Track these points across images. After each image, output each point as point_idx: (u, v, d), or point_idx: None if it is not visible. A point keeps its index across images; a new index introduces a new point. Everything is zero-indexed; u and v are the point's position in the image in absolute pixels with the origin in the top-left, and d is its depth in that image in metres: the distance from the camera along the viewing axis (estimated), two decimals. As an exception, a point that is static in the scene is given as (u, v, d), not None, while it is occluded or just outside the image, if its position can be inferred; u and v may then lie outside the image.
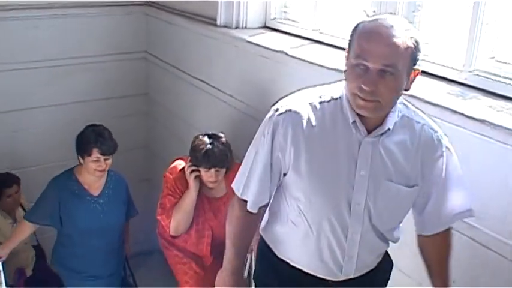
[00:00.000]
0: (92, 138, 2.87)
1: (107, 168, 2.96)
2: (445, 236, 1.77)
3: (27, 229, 3.08)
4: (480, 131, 1.75)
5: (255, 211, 1.79)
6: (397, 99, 1.56)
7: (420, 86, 2.01)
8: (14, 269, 3.37)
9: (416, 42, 1.50)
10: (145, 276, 3.43)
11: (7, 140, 3.65)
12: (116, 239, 3.15)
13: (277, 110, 1.67)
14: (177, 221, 2.66)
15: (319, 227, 1.69)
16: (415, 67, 1.53)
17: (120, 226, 3.15)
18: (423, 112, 1.70)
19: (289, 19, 2.99)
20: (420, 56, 1.53)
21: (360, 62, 1.48)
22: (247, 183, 1.76)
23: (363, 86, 1.47)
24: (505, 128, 1.69)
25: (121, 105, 3.95)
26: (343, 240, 1.68)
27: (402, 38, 1.47)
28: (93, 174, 2.95)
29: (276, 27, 3.00)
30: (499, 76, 1.94)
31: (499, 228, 1.76)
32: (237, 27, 3.03)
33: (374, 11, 2.31)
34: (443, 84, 2.06)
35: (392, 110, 1.59)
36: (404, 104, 1.66)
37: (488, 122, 1.73)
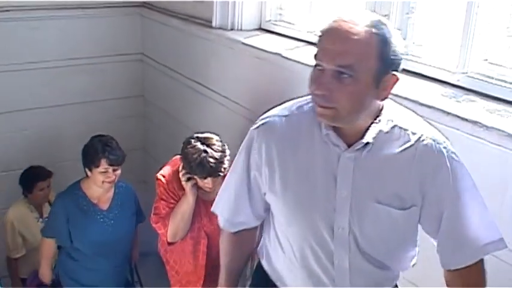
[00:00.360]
0: (99, 149, 2.76)
1: (116, 180, 2.84)
2: (475, 271, 1.48)
3: (50, 245, 2.98)
4: (473, 132, 1.76)
5: (231, 230, 1.69)
6: (363, 108, 1.35)
7: (413, 88, 2.03)
8: (30, 271, 3.33)
9: (385, 41, 1.30)
10: (142, 278, 3.42)
11: (3, 141, 3.64)
12: (126, 250, 3.06)
13: (256, 123, 1.55)
14: (174, 229, 2.53)
15: (302, 253, 1.53)
16: (393, 72, 1.33)
17: (130, 238, 3.06)
18: (423, 118, 1.53)
19: (284, 21, 2.99)
20: (397, 58, 1.33)
21: (317, 63, 1.33)
22: (222, 201, 1.67)
23: (314, 90, 1.32)
24: (498, 130, 1.70)
25: (117, 107, 3.95)
26: (330, 268, 1.51)
27: (362, 34, 1.28)
28: (102, 187, 2.83)
29: (271, 29, 3.01)
30: (492, 78, 1.95)
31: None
32: (232, 29, 3.04)
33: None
34: (436, 86, 2.08)
35: (376, 120, 1.40)
36: (397, 111, 1.47)
37: (481, 123, 1.75)
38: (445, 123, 1.83)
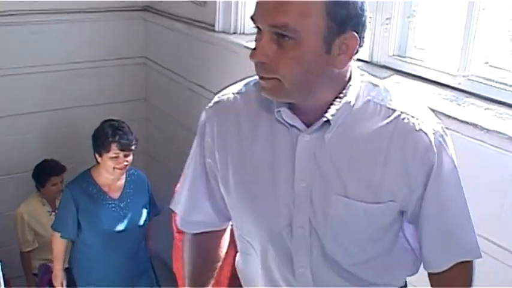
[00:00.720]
0: (110, 133, 2.64)
1: (128, 166, 2.70)
2: (462, 272, 1.27)
3: (60, 242, 2.87)
4: (474, 135, 1.77)
5: (189, 231, 1.42)
6: (314, 78, 1.09)
7: (415, 91, 2.04)
8: (38, 264, 3.32)
9: None
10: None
11: (4, 144, 3.65)
12: (138, 242, 2.92)
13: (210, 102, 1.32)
14: None
15: (263, 258, 1.30)
16: (352, 32, 1.07)
17: (143, 229, 2.91)
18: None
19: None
20: (355, 13, 1.06)
21: (255, 25, 1.10)
22: (179, 195, 1.41)
23: (251, 57, 1.10)
24: (498, 132, 1.71)
25: (120, 110, 3.95)
26: (291, 278, 1.26)
27: None
28: (113, 174, 2.70)
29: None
30: (493, 81, 1.96)
31: (492, 231, 1.78)
32: (234, 33, 3.05)
33: (370, 17, 2.32)
34: (437, 89, 2.09)
35: (341, 93, 1.14)
36: (373, 84, 1.21)
37: (481, 126, 1.75)
38: (446, 126, 1.81)
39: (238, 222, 1.34)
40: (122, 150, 2.66)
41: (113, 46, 3.85)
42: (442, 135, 1.19)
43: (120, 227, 2.77)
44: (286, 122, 1.17)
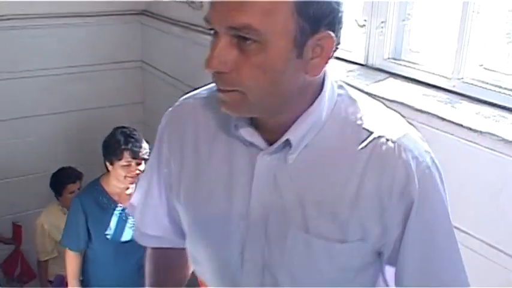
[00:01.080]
0: (122, 140, 2.58)
1: (140, 175, 2.59)
2: None
3: (72, 258, 2.77)
4: (468, 137, 1.77)
5: (142, 243, 1.27)
6: (284, 88, 0.92)
7: (409, 94, 2.05)
8: (53, 275, 3.29)
9: None
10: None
11: (4, 148, 3.65)
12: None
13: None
14: None
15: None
16: (327, 31, 0.90)
17: None
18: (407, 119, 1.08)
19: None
20: (331, 9, 0.90)
21: (209, 27, 0.91)
22: (134, 203, 1.26)
23: (205, 66, 0.90)
24: (492, 135, 1.71)
25: (117, 114, 3.96)
26: None
27: None
28: (123, 182, 2.64)
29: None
30: (487, 83, 1.96)
31: (487, 233, 1.78)
32: (231, 36, 3.05)
33: (365, 20, 2.34)
34: (432, 91, 2.09)
35: (310, 109, 0.96)
36: (351, 98, 1.02)
37: (476, 128, 1.76)
38: (440, 129, 1.85)
39: (188, 246, 1.17)
40: (134, 158, 2.61)
41: (110, 50, 3.86)
42: (429, 167, 0.97)
43: (130, 236, 2.70)
44: (244, 139, 1.00)
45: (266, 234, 1.01)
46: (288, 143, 0.97)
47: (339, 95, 1.01)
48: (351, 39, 2.38)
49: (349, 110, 0.99)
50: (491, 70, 2.00)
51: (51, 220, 3.28)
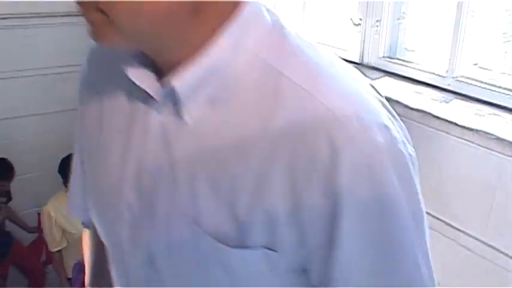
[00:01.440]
0: None
1: None
2: None
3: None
4: (462, 135, 1.78)
5: (74, 216, 1.04)
6: (163, 11, 0.59)
7: (404, 92, 2.05)
8: (74, 262, 3.21)
9: None
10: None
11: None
12: None
13: None
14: None
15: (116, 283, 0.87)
16: None
17: None
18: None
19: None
20: None
21: None
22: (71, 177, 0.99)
23: None
24: (486, 133, 1.72)
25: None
26: None
27: None
28: None
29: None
30: (482, 82, 1.97)
31: (481, 231, 1.79)
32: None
33: (361, 19, 2.35)
34: (427, 89, 2.10)
35: (210, 43, 0.63)
36: (283, 31, 0.67)
37: (470, 127, 1.76)
38: (435, 127, 1.85)
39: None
40: None
41: (106, 49, 3.84)
42: (381, 147, 0.61)
43: None
44: (132, 83, 0.69)
45: (153, 217, 0.71)
46: (174, 93, 0.66)
47: (266, 24, 0.66)
48: (346, 38, 2.38)
49: (277, 52, 0.65)
50: (485, 69, 2.01)
51: (58, 207, 3.22)
